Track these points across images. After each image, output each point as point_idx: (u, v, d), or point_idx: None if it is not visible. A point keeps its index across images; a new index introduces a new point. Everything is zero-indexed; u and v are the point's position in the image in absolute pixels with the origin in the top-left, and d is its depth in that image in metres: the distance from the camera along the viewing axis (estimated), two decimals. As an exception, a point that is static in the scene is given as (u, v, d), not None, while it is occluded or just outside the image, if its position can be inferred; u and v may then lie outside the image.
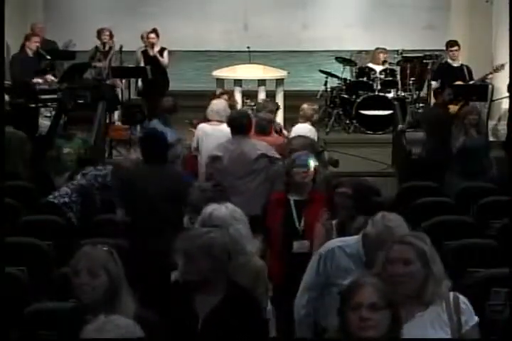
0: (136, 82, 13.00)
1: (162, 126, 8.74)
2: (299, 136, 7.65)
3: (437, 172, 9.23)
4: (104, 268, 3.58)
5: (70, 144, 9.60)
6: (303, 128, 8.80)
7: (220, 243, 4.02)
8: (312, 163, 6.14)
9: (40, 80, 11.95)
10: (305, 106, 9.22)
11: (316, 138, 8.65)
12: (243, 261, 4.51)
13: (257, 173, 7.34)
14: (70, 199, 7.73)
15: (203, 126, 8.72)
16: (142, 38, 13.21)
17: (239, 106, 11.90)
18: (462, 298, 3.81)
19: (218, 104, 8.92)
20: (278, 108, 9.84)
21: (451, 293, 3.79)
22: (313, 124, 9.07)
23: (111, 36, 12.94)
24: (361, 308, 3.23)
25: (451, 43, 12.33)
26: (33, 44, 12.03)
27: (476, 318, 3.80)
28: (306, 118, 9.04)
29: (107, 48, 12.88)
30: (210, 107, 8.87)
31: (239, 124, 7.49)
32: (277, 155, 7.42)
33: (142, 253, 6.33)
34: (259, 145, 7.48)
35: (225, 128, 7.93)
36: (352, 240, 4.61)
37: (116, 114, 12.90)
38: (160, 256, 5.53)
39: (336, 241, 4.74)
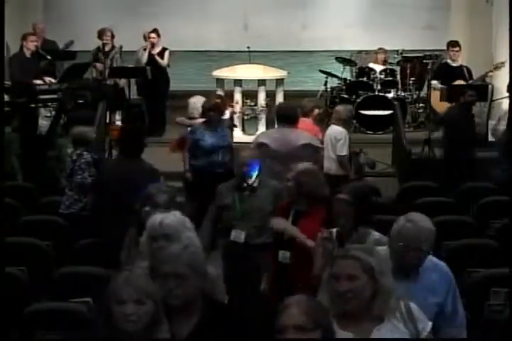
0: (136, 81, 13.01)
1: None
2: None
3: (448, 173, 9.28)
4: (149, 296, 3.38)
5: (71, 143, 9.59)
6: (335, 130, 8.97)
7: (202, 257, 3.80)
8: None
9: (39, 81, 11.96)
10: (340, 107, 9.38)
11: (346, 141, 8.89)
12: None
13: (299, 161, 7.45)
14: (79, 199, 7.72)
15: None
16: (145, 37, 13.20)
17: (239, 106, 11.93)
18: (413, 305, 3.72)
19: (197, 102, 9.32)
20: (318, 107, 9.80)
21: (401, 302, 3.68)
22: (345, 126, 9.15)
23: (112, 36, 12.93)
24: (287, 330, 3.10)
25: (453, 44, 12.33)
26: (31, 44, 12.00)
27: (430, 323, 3.76)
28: (339, 120, 9.11)
29: (107, 49, 12.87)
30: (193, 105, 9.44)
31: (286, 115, 8.03)
32: (320, 145, 8.26)
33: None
34: (304, 135, 8.02)
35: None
36: None
37: (118, 114, 12.90)
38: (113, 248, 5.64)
39: None
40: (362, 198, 5.11)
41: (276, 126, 8.48)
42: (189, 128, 9.23)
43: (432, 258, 4.48)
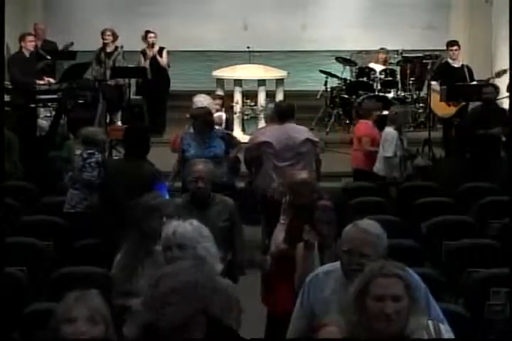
0: (136, 82, 13.01)
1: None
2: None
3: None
4: (102, 316, 3.15)
5: (79, 145, 9.67)
6: (386, 132, 9.20)
7: (211, 274, 3.63)
8: None
9: (40, 81, 11.96)
10: (393, 109, 9.58)
11: (393, 142, 8.98)
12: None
13: (302, 156, 7.97)
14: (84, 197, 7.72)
15: None
16: (143, 38, 13.20)
17: (239, 106, 11.93)
18: (443, 327, 3.53)
19: (203, 101, 9.12)
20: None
21: (430, 322, 3.50)
22: (396, 127, 9.27)
23: (114, 37, 12.90)
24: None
25: (452, 43, 12.33)
26: (29, 44, 12.00)
27: None
28: (391, 122, 9.30)
29: (109, 49, 12.86)
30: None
31: (285, 111, 8.11)
32: (318, 140, 8.32)
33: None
34: (303, 130, 8.22)
35: None
36: None
37: (118, 114, 12.90)
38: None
39: (325, 266, 4.25)
40: (343, 204, 5.06)
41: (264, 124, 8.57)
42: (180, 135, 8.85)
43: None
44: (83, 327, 3.06)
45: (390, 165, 9.11)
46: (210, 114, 8.27)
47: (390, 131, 9.21)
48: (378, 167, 9.24)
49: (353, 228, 3.94)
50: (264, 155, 8.05)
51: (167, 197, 6.99)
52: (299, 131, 8.14)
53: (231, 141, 8.50)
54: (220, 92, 11.82)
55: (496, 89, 10.86)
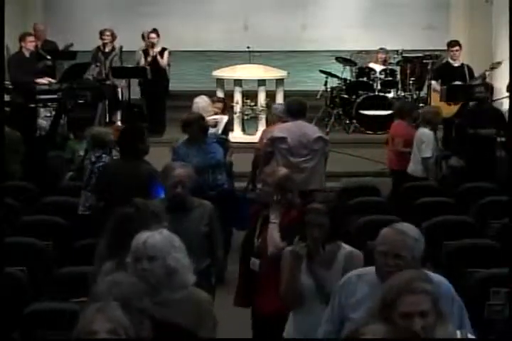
0: (139, 82, 13.01)
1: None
2: None
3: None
4: (124, 328, 3.12)
5: (81, 145, 9.70)
6: (421, 132, 9.17)
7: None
8: None
9: (41, 80, 11.97)
10: (426, 109, 9.53)
11: (431, 143, 8.98)
12: (184, 295, 4.01)
13: (315, 153, 8.07)
14: None
15: None
16: (143, 37, 13.21)
17: (239, 106, 11.93)
18: (471, 336, 3.54)
19: (199, 103, 9.09)
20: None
21: (459, 332, 3.47)
22: (432, 128, 9.25)
23: (113, 37, 12.91)
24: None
25: (453, 43, 12.33)
26: (29, 44, 12.01)
27: None
28: (425, 122, 9.26)
29: (107, 49, 12.87)
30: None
31: (298, 109, 8.18)
32: (328, 138, 8.51)
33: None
34: (314, 128, 8.41)
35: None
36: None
37: (118, 114, 12.90)
38: None
39: (357, 270, 4.20)
40: (336, 208, 4.73)
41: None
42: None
43: (432, 276, 3.86)
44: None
45: (427, 166, 9.06)
46: (203, 118, 8.02)
47: (425, 131, 9.14)
48: (413, 168, 9.16)
49: (390, 229, 3.90)
50: (277, 151, 8.07)
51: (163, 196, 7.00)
52: (311, 129, 8.27)
53: (225, 145, 8.38)
54: (220, 94, 11.83)
55: (487, 88, 10.87)
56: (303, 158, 8.01)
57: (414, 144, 9.19)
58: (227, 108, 10.16)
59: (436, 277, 3.86)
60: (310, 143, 8.03)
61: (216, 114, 9.52)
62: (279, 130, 8.27)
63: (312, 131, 8.23)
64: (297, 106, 8.26)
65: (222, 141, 8.38)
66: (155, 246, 3.96)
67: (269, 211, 5.47)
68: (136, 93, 12.98)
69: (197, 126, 7.79)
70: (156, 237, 4.01)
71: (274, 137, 8.15)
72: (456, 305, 3.85)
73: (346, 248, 4.70)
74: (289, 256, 4.69)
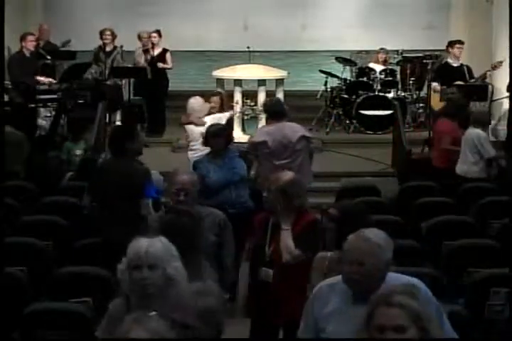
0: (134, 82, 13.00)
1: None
2: None
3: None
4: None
5: (78, 146, 9.81)
6: (476, 133, 9.09)
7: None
8: None
9: (41, 78, 11.98)
10: (477, 109, 9.55)
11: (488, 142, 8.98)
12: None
13: (298, 153, 8.03)
14: None
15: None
16: (139, 37, 13.18)
17: (239, 106, 11.91)
18: None
19: (194, 105, 9.11)
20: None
21: None
22: (484, 129, 9.22)
23: (113, 36, 12.90)
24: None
25: (456, 41, 12.34)
26: (30, 44, 12.02)
27: None
28: (477, 123, 9.20)
29: (108, 49, 12.86)
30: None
31: (276, 110, 8.15)
32: (312, 135, 8.46)
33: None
34: (296, 127, 8.21)
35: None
36: None
37: (118, 114, 12.90)
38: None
39: (329, 279, 4.06)
40: (350, 216, 4.62)
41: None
42: (191, 159, 8.25)
43: (405, 278, 3.86)
44: None
45: (483, 166, 8.99)
46: (225, 129, 7.67)
47: (479, 132, 9.07)
48: (465, 169, 9.04)
49: (355, 236, 3.81)
50: (260, 155, 8.08)
51: (156, 196, 7.01)
52: (293, 129, 8.17)
53: (247, 159, 7.99)
54: (219, 90, 11.83)
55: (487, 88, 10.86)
56: (286, 160, 7.96)
57: (466, 144, 9.07)
58: (225, 103, 10.01)
59: (412, 280, 3.79)
60: (292, 143, 8.00)
61: (213, 112, 9.46)
62: (260, 134, 8.27)
63: (293, 131, 8.13)
64: (277, 108, 8.25)
65: (245, 154, 8.02)
66: (156, 255, 3.83)
67: (278, 218, 5.31)
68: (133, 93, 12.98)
69: (223, 139, 7.37)
70: (157, 245, 3.87)
71: (254, 142, 8.14)
72: (433, 308, 3.65)
73: None
74: (330, 261, 4.56)
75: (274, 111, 8.18)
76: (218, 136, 7.31)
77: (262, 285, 5.30)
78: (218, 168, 7.26)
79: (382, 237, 3.79)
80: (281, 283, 5.15)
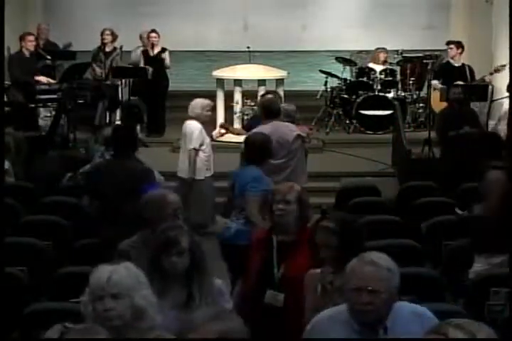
0: (133, 82, 13.01)
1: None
2: None
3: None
4: None
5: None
6: None
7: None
8: None
9: (40, 78, 11.98)
10: None
11: None
12: (152, 337, 3.53)
13: (294, 153, 8.02)
14: None
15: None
16: (141, 38, 13.20)
17: (239, 106, 11.93)
18: None
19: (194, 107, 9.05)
20: None
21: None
22: None
23: (113, 36, 12.90)
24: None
25: (448, 42, 12.37)
26: (29, 44, 12.03)
27: None
28: None
29: (108, 49, 12.86)
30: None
31: (272, 109, 8.14)
32: (305, 134, 8.45)
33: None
34: (291, 126, 8.21)
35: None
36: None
37: (117, 114, 12.90)
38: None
39: (326, 311, 3.74)
40: (348, 226, 4.34)
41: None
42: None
43: (411, 307, 3.64)
44: None
45: None
46: (268, 141, 7.11)
47: None
48: None
49: (359, 262, 3.50)
50: None
51: None
52: (288, 129, 8.17)
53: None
54: (220, 94, 11.85)
55: (465, 90, 10.83)
56: (283, 160, 7.95)
57: None
58: (230, 132, 10.06)
59: (418, 308, 3.62)
60: (288, 143, 8.00)
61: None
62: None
63: (289, 130, 8.14)
64: (272, 107, 8.25)
65: None
66: (121, 282, 3.47)
67: (287, 233, 4.89)
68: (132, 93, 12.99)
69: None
70: (121, 272, 3.51)
71: None
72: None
73: None
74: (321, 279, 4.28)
75: (269, 110, 8.18)
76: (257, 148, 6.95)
77: (267, 310, 4.85)
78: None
79: (389, 260, 3.53)
80: (293, 308, 4.65)
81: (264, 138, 7.09)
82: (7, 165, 8.22)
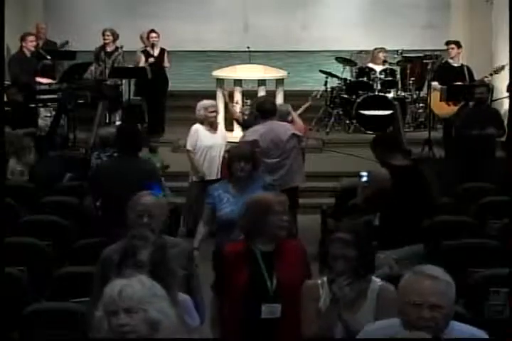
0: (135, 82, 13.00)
1: None
2: None
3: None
4: None
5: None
6: None
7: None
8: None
9: (41, 79, 11.97)
10: None
11: None
12: None
13: (289, 152, 8.11)
14: None
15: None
16: (141, 38, 13.20)
17: (239, 106, 11.92)
18: None
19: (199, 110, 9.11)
20: None
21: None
22: None
23: (114, 36, 12.89)
24: None
25: (448, 42, 12.37)
26: (30, 44, 12.05)
27: None
28: None
29: (109, 49, 12.86)
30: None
31: (269, 109, 8.21)
32: (301, 134, 8.50)
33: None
34: (287, 126, 8.31)
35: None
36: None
37: (117, 114, 12.90)
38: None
39: (378, 325, 3.61)
40: (363, 237, 4.21)
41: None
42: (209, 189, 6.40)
43: (465, 328, 3.47)
44: None
45: None
46: (254, 152, 6.49)
47: None
48: None
49: (416, 275, 3.32)
50: None
51: (161, 194, 6.98)
52: (283, 128, 8.22)
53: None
54: (220, 94, 11.84)
55: (488, 89, 10.86)
56: (278, 159, 8.05)
57: None
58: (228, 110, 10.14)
59: (472, 330, 3.46)
60: (283, 143, 8.07)
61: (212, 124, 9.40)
62: (250, 133, 8.28)
63: (284, 130, 8.20)
64: (267, 106, 8.29)
65: (273, 188, 6.61)
66: (133, 296, 3.33)
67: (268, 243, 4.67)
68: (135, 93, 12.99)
69: (253, 163, 6.22)
70: (135, 285, 3.37)
71: (245, 141, 8.11)
72: None
73: (377, 282, 4.14)
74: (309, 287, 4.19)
75: (264, 110, 8.22)
76: (246, 160, 6.13)
77: (263, 323, 4.62)
78: (235, 199, 6.00)
79: (445, 273, 3.37)
80: (291, 317, 4.47)
81: (236, 152, 6.32)
82: (20, 166, 8.24)
